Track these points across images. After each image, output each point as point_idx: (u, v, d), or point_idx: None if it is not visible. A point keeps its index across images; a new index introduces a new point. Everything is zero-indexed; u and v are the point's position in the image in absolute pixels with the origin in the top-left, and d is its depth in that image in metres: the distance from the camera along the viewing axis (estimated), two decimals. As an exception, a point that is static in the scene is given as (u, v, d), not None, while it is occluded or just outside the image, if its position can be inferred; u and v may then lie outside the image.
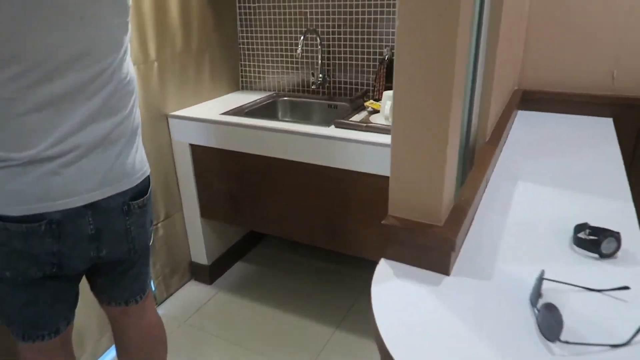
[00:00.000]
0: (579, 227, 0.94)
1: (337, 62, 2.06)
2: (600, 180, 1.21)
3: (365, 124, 1.61)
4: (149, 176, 1.14)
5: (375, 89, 1.88)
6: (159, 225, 1.96)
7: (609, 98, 1.68)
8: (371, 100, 1.82)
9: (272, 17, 2.12)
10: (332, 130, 1.63)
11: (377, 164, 1.55)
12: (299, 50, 1.87)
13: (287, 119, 2.17)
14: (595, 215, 1.00)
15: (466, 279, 0.82)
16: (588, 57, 1.68)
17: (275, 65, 2.21)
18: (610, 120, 1.67)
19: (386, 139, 1.52)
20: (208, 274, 2.19)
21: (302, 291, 2.14)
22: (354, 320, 1.93)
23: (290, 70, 2.18)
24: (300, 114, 2.14)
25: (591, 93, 1.71)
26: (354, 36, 1.97)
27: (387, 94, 1.60)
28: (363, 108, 1.85)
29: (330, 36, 2.03)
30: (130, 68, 1.04)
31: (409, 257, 0.85)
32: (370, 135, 1.57)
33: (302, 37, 1.87)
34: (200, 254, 2.16)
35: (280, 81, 2.23)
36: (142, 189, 1.10)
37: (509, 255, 0.89)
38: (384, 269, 0.85)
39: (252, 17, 2.17)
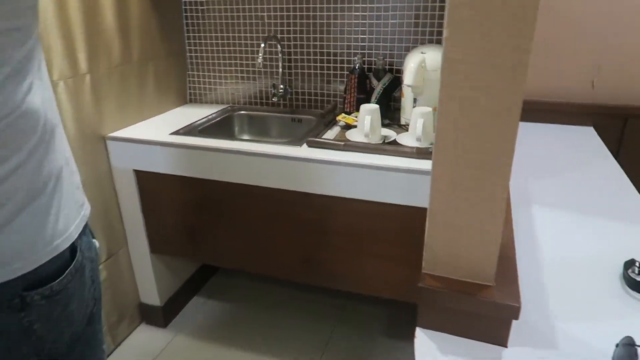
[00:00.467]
0: (628, 264, 0.81)
1: (299, 71, 1.86)
2: (616, 202, 1.11)
3: (343, 143, 1.42)
4: (72, 245, 0.75)
5: (346, 101, 1.70)
6: (100, 267, 1.65)
7: (590, 107, 1.62)
8: (343, 114, 1.64)
9: (223, 21, 1.88)
10: (305, 151, 1.43)
11: (358, 188, 1.37)
12: (259, 60, 1.65)
13: (245, 136, 1.94)
14: (629, 245, 0.88)
15: (528, 350, 0.66)
16: (568, 65, 1.61)
17: (228, 75, 1.97)
18: (592, 129, 1.61)
19: (367, 159, 1.35)
20: (161, 316, 1.91)
21: (272, 325, 1.91)
22: (334, 355, 1.74)
23: (245, 81, 1.95)
24: (261, 129, 1.92)
25: (572, 102, 1.64)
26: (318, 42, 1.78)
27: (366, 108, 1.43)
28: (334, 123, 1.67)
29: (292, 42, 1.82)
30: (29, 95, 0.67)
31: (454, 326, 0.67)
32: (349, 156, 1.38)
33: (262, 45, 1.66)
34: (150, 294, 1.87)
35: (235, 93, 1.99)
36: (51, 272, 0.73)
37: (563, 309, 0.74)
38: (424, 342, 0.67)
39: (201, 21, 1.92)
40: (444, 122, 0.60)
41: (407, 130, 1.56)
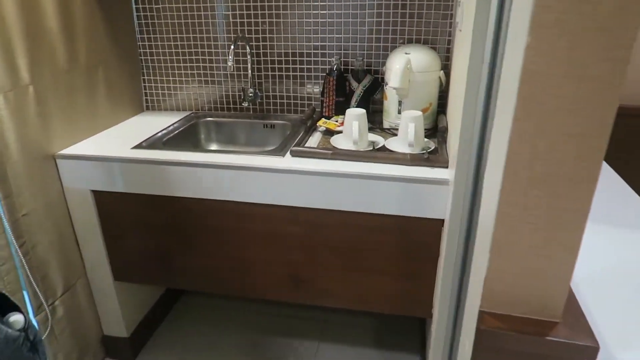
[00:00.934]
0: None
1: (270, 73, 1.73)
2: (631, 208, 1.09)
3: (330, 151, 1.32)
4: None
5: (325, 104, 1.60)
6: (56, 303, 1.45)
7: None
8: (324, 119, 1.53)
9: (182, 21, 1.71)
10: (289, 161, 1.32)
11: (348, 199, 1.27)
12: (230, 63, 1.50)
13: (214, 145, 1.78)
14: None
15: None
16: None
17: (189, 79, 1.80)
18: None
19: (358, 167, 1.26)
20: (129, 347, 1.72)
21: (252, 345, 1.78)
22: (323, 377, 1.64)
23: (209, 85, 1.79)
24: (230, 137, 1.77)
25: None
26: (290, 43, 1.66)
27: (352, 113, 1.33)
28: (314, 128, 1.56)
29: (261, 43, 1.69)
30: None
31: (520, 372, 0.59)
32: (338, 165, 1.28)
33: (232, 47, 1.51)
34: (116, 325, 1.68)
35: (198, 98, 1.83)
36: None
37: (618, 336, 0.68)
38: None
39: (155, 21, 1.73)
40: (517, 142, 0.51)
41: (392, 134, 1.49)
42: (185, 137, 1.67)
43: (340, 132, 1.47)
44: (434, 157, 1.28)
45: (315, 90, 1.71)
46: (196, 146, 1.75)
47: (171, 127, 1.66)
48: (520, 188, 0.53)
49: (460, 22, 1.20)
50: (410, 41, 1.58)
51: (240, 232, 1.41)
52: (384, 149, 1.36)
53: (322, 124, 1.51)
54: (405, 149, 1.32)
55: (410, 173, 1.23)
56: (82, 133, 1.53)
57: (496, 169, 0.57)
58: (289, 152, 1.36)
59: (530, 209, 0.53)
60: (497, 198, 0.55)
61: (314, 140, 1.46)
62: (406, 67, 1.38)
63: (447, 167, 1.26)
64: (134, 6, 1.72)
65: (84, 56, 1.51)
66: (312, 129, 1.53)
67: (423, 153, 1.30)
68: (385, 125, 1.52)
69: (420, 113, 1.32)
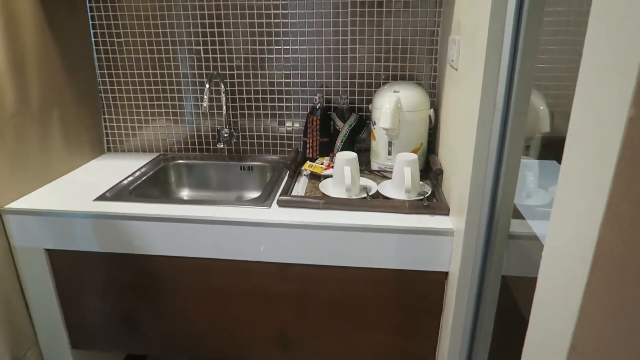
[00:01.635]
0: None
1: (246, 111, 1.61)
2: None
3: (322, 201, 1.21)
4: None
5: (308, 145, 1.49)
6: (4, 384, 1.24)
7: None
8: (309, 163, 1.42)
9: (146, 55, 1.57)
10: (276, 213, 1.19)
11: (342, 253, 1.16)
12: (205, 103, 1.37)
13: (185, 190, 1.63)
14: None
15: None
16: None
17: (155, 118, 1.65)
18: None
19: (352, 218, 1.15)
20: None
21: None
22: None
23: (179, 124, 1.65)
24: (204, 181, 1.63)
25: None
26: (267, 80, 1.56)
27: (344, 158, 1.23)
28: (298, 172, 1.44)
29: (236, 80, 1.57)
30: None
31: None
32: (331, 215, 1.17)
33: (207, 85, 1.38)
34: (73, 400, 1.46)
35: (167, 139, 1.68)
36: None
37: None
38: None
39: (117, 55, 1.58)
40: (610, 229, 0.42)
41: (382, 176, 1.40)
42: (153, 183, 1.51)
43: (327, 176, 1.37)
44: (434, 204, 1.19)
45: (295, 128, 1.60)
46: (166, 192, 1.59)
47: (138, 173, 1.50)
48: (614, 284, 0.44)
49: (456, 61, 1.14)
50: (394, 78, 1.51)
51: (221, 290, 1.26)
52: (377, 195, 1.27)
53: (308, 167, 1.40)
54: (402, 195, 1.23)
55: (410, 223, 1.14)
56: (33, 183, 1.35)
57: (573, 246, 0.47)
58: (275, 202, 1.24)
59: (629, 311, 0.44)
60: (583, 296, 0.45)
61: (300, 186, 1.35)
62: (396, 106, 1.30)
63: (448, 214, 1.17)
64: (92, 39, 1.57)
65: (37, 96, 1.33)
66: (296, 173, 1.42)
67: (421, 199, 1.21)
68: (374, 166, 1.43)
69: (415, 156, 1.24)
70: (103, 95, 1.64)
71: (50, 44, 1.38)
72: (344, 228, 1.14)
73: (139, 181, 1.45)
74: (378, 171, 1.42)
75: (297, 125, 1.60)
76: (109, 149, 1.71)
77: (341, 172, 1.24)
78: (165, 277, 1.27)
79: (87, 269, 1.28)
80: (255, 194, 1.58)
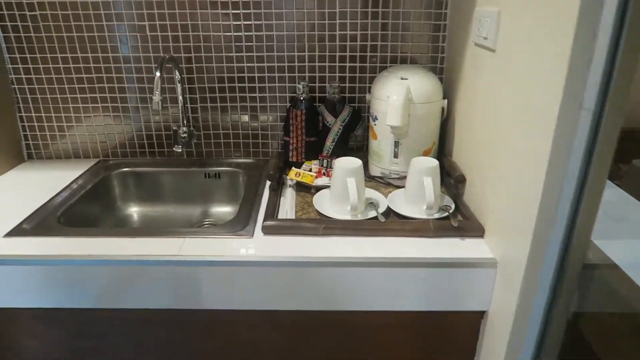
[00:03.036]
0: None
1: (208, 104, 1.28)
2: None
3: (321, 225, 0.92)
4: None
5: (291, 146, 1.19)
6: None
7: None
8: (295, 170, 1.12)
9: (72, 33, 1.20)
10: (261, 244, 0.90)
11: (350, 294, 0.89)
12: (156, 98, 1.03)
13: (134, 207, 1.29)
14: None
15: None
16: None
17: (90, 115, 1.29)
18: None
19: (362, 246, 0.88)
20: None
21: None
22: None
23: (122, 123, 1.30)
24: (158, 193, 1.29)
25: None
26: (235, 64, 1.23)
27: (345, 166, 0.95)
28: (282, 182, 1.14)
29: (194, 65, 1.23)
30: None
31: None
32: (333, 244, 0.89)
33: (157, 74, 1.04)
34: None
35: (107, 141, 1.32)
36: None
37: None
38: None
39: (31, 34, 1.20)
40: None
41: (386, 183, 1.13)
42: (92, 199, 1.17)
43: (320, 187, 1.08)
44: (464, 224, 0.94)
45: (272, 124, 1.29)
46: (110, 210, 1.24)
47: (70, 189, 1.14)
48: None
49: (492, 40, 0.88)
50: (393, 60, 1.23)
51: (187, 346, 0.96)
52: (389, 211, 1.00)
53: (294, 176, 1.10)
54: (421, 212, 0.97)
55: (438, 251, 0.88)
56: None
57: None
58: (259, 228, 0.94)
59: None
60: None
61: (287, 202, 1.05)
62: (407, 97, 1.03)
63: (482, 235, 0.92)
64: (-3, 13, 1.18)
65: None
66: (275, 179, 1.12)
67: (447, 216, 0.95)
68: (374, 171, 1.16)
69: (436, 163, 0.97)
70: (16, 86, 1.25)
71: None
72: (353, 262, 0.86)
73: (72, 200, 1.10)
74: (380, 178, 1.15)
75: (273, 119, 1.29)
76: (29, 156, 1.33)
77: (343, 186, 0.96)
78: (110, 334, 0.95)
79: (13, 327, 0.94)
80: (226, 208, 1.28)
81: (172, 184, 1.29)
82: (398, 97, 1.02)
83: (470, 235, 0.93)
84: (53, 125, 1.30)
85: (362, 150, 1.32)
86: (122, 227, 1.19)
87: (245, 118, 1.28)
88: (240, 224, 0.96)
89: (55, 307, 0.91)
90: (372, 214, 0.98)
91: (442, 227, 0.93)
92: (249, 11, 1.17)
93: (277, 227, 0.93)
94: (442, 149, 1.21)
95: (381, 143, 1.12)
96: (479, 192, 0.96)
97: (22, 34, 1.20)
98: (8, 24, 1.19)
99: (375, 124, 1.12)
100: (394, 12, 1.18)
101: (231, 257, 0.86)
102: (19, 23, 1.19)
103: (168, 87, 1.25)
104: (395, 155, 1.11)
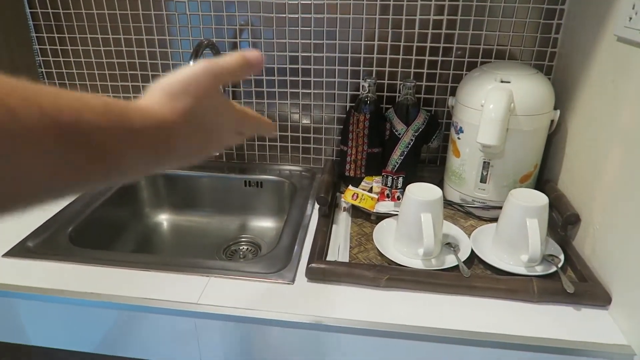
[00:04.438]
0: None
1: (253, 100, 1.08)
2: None
3: (384, 276, 0.70)
4: None
5: (349, 157, 0.97)
6: None
7: None
8: (351, 189, 0.90)
9: (102, 10, 1.03)
10: (302, 296, 0.69)
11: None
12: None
13: (164, 215, 1.12)
14: None
15: None
16: None
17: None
18: None
19: (433, 309, 0.65)
20: None
21: None
22: None
23: (155, 115, 1.12)
24: (192, 199, 1.11)
25: None
26: (285, 53, 1.01)
27: (421, 200, 0.72)
28: (332, 204, 0.93)
29: (227, 52, 1.03)
30: None
31: None
32: (397, 302, 0.67)
33: (191, 62, 0.85)
34: None
35: (138, 136, 1.15)
36: None
37: None
38: None
39: (60, 10, 1.04)
40: None
41: (467, 213, 0.88)
42: (117, 203, 1.01)
43: (383, 215, 0.85)
44: (581, 287, 0.68)
45: (326, 127, 1.07)
46: (137, 216, 1.08)
47: (92, 194, 0.99)
48: None
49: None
50: (486, 55, 0.96)
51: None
52: (472, 257, 0.76)
53: (350, 199, 0.88)
54: (519, 265, 0.72)
55: (545, 329, 0.64)
56: None
57: None
58: (302, 270, 0.73)
59: None
60: None
61: (341, 232, 0.84)
62: (508, 108, 0.77)
63: (606, 305, 0.67)
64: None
65: None
66: (332, 204, 0.90)
67: (554, 271, 0.70)
68: (452, 196, 0.92)
69: (545, 201, 0.72)
70: (44, 70, 1.11)
71: None
72: (428, 336, 0.63)
73: (94, 205, 0.94)
74: (461, 205, 0.90)
75: (329, 119, 1.07)
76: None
77: (415, 223, 0.72)
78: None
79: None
80: (267, 223, 1.08)
81: (208, 191, 1.11)
82: (497, 107, 0.77)
83: (588, 304, 0.67)
84: (81, 115, 1.15)
85: (435, 164, 1.07)
86: (141, 253, 1.03)
87: (296, 116, 1.07)
88: (280, 260, 0.76)
89: (47, 346, 0.75)
90: (451, 260, 0.74)
91: (549, 289, 0.68)
92: (307, -12, 0.95)
93: (325, 272, 0.72)
94: (542, 172, 0.94)
95: (465, 163, 0.87)
96: (601, 241, 0.70)
97: (50, 10, 1.04)
98: (38, 10, 1.03)
99: (458, 138, 0.87)
100: (491, -8, 0.91)
101: (263, 314, 0.66)
102: (53, 23, 1.03)
103: (208, 78, 1.06)
104: (483, 180, 0.86)
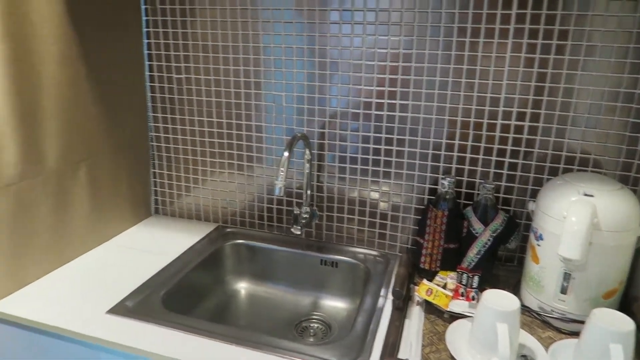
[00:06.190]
0: None
1: (336, 185, 1.15)
2: None
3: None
4: None
5: (425, 250, 1.00)
6: None
7: None
8: (426, 283, 0.92)
9: (210, 99, 1.17)
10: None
11: None
12: (279, 183, 0.92)
13: (242, 283, 1.20)
14: None
15: None
16: None
17: (216, 180, 1.24)
18: None
19: None
20: None
21: None
22: None
23: (245, 191, 1.23)
24: (270, 271, 1.19)
25: None
26: (372, 145, 1.09)
27: (498, 310, 0.72)
28: (406, 297, 0.95)
29: (316, 141, 1.12)
30: None
31: None
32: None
33: (286, 153, 0.94)
34: None
35: (228, 207, 1.26)
36: None
37: None
38: None
39: (174, 96, 1.20)
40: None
41: (541, 321, 0.86)
42: (204, 269, 1.10)
43: (456, 315, 0.86)
44: None
45: (404, 215, 1.11)
46: (219, 283, 1.17)
47: (182, 260, 1.09)
48: None
49: None
50: (568, 161, 0.97)
51: None
52: (551, 377, 0.74)
53: (424, 294, 0.90)
54: (600, 391, 0.69)
55: None
56: (38, 267, 0.98)
57: None
58: (374, 368, 0.75)
59: None
60: None
61: (413, 328, 0.85)
62: (591, 223, 0.77)
63: None
64: (147, 72, 1.20)
65: (55, 151, 0.97)
66: (406, 296, 0.92)
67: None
68: (530, 302, 0.90)
69: (632, 326, 0.70)
70: (155, 144, 1.27)
71: (82, 77, 1.02)
72: None
73: (181, 273, 1.03)
74: (537, 314, 0.89)
75: (406, 206, 1.11)
76: (156, 211, 1.33)
77: (490, 331, 0.73)
78: None
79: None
80: (339, 303, 1.12)
81: (285, 265, 1.17)
82: (580, 221, 0.77)
83: None
84: (181, 185, 1.28)
85: (512, 262, 1.07)
86: (220, 320, 1.10)
87: (375, 195, 1.12)
88: (353, 350, 0.79)
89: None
90: (527, 376, 0.73)
91: None
92: (394, 89, 1.03)
93: (397, 375, 0.73)
94: (629, 289, 0.91)
95: (545, 270, 0.86)
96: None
97: (167, 95, 1.21)
98: (156, 84, 1.21)
99: (538, 245, 0.87)
100: (577, 103, 0.94)
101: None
102: (165, 85, 1.20)
103: (296, 162, 1.15)
104: (563, 291, 0.84)
